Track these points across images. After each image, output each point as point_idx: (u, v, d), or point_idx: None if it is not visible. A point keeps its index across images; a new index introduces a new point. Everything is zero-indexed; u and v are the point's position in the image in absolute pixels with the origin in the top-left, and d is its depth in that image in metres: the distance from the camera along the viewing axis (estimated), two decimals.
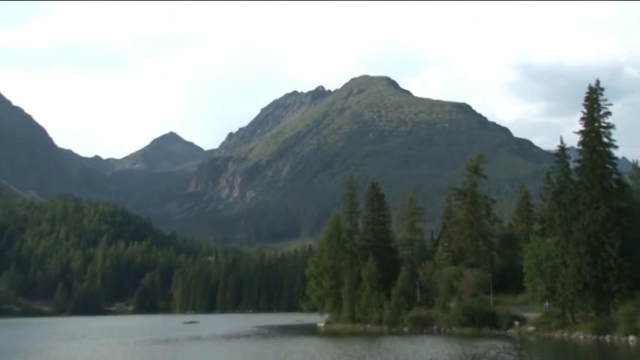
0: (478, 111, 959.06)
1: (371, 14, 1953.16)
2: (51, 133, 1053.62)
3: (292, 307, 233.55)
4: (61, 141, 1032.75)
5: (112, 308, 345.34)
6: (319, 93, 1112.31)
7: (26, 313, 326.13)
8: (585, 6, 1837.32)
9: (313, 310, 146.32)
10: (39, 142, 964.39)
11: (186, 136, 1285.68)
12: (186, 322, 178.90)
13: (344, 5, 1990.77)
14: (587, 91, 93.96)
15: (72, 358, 66.18)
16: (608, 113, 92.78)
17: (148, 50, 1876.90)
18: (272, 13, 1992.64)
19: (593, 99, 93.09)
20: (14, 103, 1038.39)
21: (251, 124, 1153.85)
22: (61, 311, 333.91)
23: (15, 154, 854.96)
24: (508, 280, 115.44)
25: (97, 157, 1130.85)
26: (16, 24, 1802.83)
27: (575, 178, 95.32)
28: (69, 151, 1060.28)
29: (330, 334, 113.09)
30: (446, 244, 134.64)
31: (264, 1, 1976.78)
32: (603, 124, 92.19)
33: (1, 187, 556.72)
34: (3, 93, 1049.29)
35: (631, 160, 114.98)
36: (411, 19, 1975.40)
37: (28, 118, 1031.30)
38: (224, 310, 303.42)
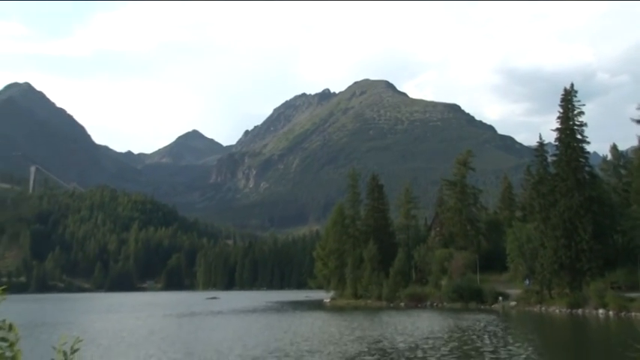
0: (467, 111, 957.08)
1: (372, 24, 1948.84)
2: (89, 131, 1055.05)
3: (301, 285, 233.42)
4: (98, 138, 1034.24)
5: (143, 285, 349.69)
6: (325, 95, 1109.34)
7: (69, 289, 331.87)
8: (562, 18, 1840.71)
9: (320, 287, 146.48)
10: (79, 139, 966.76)
11: (208, 134, 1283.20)
12: (208, 298, 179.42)
13: (348, 16, 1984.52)
14: (563, 93, 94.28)
15: (111, 329, 67.03)
16: (582, 113, 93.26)
17: (173, 57, 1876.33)
18: (283, 23, 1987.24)
19: (568, 100, 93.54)
20: (58, 105, 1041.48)
21: (265, 122, 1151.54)
22: (99, 287, 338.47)
23: (58, 149, 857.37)
24: (493, 261, 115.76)
25: (129, 152, 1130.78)
26: (60, 36, 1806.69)
27: (552, 170, 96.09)
28: (105, 147, 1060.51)
29: (335, 308, 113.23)
30: (438, 228, 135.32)
31: (276, 13, 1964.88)
32: (577, 123, 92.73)
33: (46, 178, 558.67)
34: (48, 96, 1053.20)
35: (601, 155, 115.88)
36: (408, 29, 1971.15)
37: (70, 117, 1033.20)
38: (241, 287, 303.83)
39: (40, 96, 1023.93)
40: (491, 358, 39.29)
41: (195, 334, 61.74)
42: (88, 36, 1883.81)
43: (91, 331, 60.89)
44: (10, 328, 3.84)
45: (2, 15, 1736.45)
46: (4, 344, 3.78)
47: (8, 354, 3.76)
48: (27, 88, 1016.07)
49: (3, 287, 4.19)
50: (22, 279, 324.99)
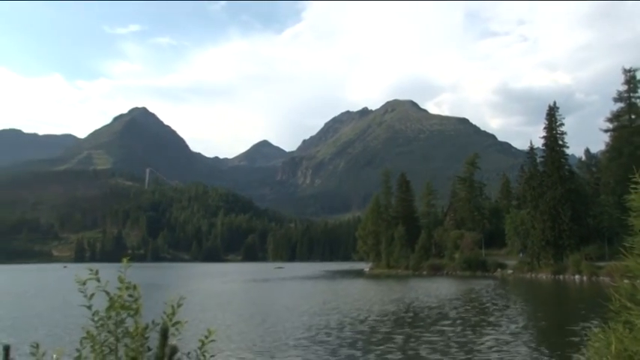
0: (473, 123, 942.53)
1: (400, 57, 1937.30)
2: (188, 142, 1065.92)
3: (347, 258, 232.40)
4: (193, 147, 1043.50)
5: (227, 257, 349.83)
6: (364, 112, 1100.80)
7: (174, 259, 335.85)
8: (547, 52, 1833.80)
9: (361, 259, 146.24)
10: (180, 148, 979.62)
11: (275, 142, 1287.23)
12: (276, 267, 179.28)
13: (381, 50, 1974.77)
14: (548, 109, 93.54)
15: (204, 291, 68.10)
16: (562, 124, 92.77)
17: (250, 85, 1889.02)
18: (332, 57, 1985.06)
19: (552, 114, 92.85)
20: (165, 123, 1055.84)
21: (318, 133, 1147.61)
22: (195, 259, 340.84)
23: (166, 155, 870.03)
24: (495, 239, 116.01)
25: (216, 157, 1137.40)
26: (167, 72, 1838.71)
27: (540, 168, 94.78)
28: (199, 154, 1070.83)
29: (372, 276, 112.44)
30: (452, 214, 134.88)
31: (326, 50, 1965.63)
32: (559, 132, 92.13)
33: (157, 178, 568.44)
34: (159, 116, 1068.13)
35: (577, 156, 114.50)
36: (428, 60, 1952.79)
37: (174, 132, 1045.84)
38: (300, 259, 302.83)
39: (153, 116, 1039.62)
40: (496, 310, 39.95)
41: (268, 296, 61.76)
42: (187, 71, 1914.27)
43: (189, 291, 61.63)
44: (134, 287, 4.17)
45: (127, 58, 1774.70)
46: (131, 299, 4.12)
47: (134, 306, 4.10)
48: (144, 111, 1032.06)
49: (128, 257, 4.51)
50: (141, 251, 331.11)
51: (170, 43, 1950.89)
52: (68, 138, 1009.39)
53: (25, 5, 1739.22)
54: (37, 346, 3.90)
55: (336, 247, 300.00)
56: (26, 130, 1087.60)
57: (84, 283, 4.25)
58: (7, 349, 3.48)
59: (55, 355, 4.06)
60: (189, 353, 3.90)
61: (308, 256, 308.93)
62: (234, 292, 66.53)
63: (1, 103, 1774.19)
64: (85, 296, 4.21)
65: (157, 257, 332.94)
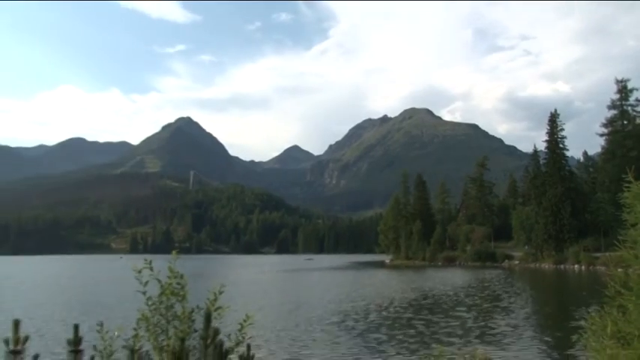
0: (483, 128, 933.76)
1: (416, 69, 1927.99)
2: (227, 147, 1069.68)
3: (369, 251, 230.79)
4: (232, 151, 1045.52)
5: (262, 250, 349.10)
6: (384, 119, 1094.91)
7: (215, 252, 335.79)
8: (548, 64, 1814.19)
9: (382, 252, 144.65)
10: (220, 153, 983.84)
11: (304, 147, 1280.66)
12: (306, 259, 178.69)
13: (400, 63, 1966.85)
14: (550, 115, 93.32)
15: (243, 279, 68.75)
16: (562, 129, 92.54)
17: (282, 96, 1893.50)
18: (355, 71, 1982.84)
19: (554, 120, 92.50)
20: (207, 130, 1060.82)
21: (343, 138, 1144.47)
22: (233, 251, 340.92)
23: (207, 159, 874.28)
24: (502, 233, 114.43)
25: (252, 161, 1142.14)
26: (208, 85, 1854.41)
27: (543, 169, 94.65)
28: (236, 157, 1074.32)
29: (393, 266, 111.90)
30: (464, 211, 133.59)
31: (350, 64, 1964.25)
32: (560, 136, 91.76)
33: (199, 179, 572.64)
34: (202, 125, 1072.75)
35: (576, 158, 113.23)
36: (442, 72, 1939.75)
37: (215, 138, 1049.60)
38: (328, 252, 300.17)
39: (196, 125, 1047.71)
40: (507, 297, 39.78)
41: (299, 284, 62.29)
42: (226, 84, 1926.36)
43: (229, 280, 61.83)
44: (182, 276, 4.29)
45: (174, 74, 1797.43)
46: (179, 287, 4.25)
47: (181, 293, 4.21)
48: (188, 120, 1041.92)
49: (177, 250, 4.72)
50: (187, 245, 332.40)
51: (211, 60, 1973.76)
52: (124, 145, 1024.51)
53: (87, 31, 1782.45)
54: (101, 325, 4.07)
55: (360, 240, 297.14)
56: (89, 138, 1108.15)
57: (139, 272, 4.43)
58: (76, 327, 3.58)
59: (116, 333, 4.22)
60: (229, 335, 3.98)
61: (334, 249, 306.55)
62: (269, 281, 66.74)
63: (68, 115, 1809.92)
64: (141, 283, 4.39)
65: (201, 250, 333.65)
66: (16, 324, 3.44)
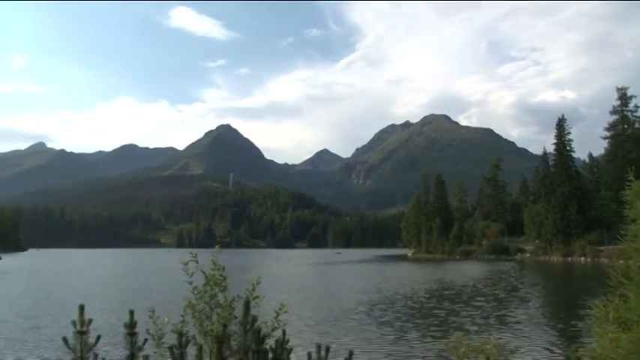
0: (497, 132, 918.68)
1: (436, 78, 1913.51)
2: (262, 151, 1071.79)
3: (393, 245, 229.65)
4: (267, 155, 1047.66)
5: (295, 245, 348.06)
6: (406, 124, 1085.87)
7: (252, 246, 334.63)
8: (556, 73, 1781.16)
9: (405, 246, 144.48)
10: (256, 156, 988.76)
11: (333, 150, 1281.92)
12: (335, 253, 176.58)
13: (421, 73, 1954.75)
14: (557, 120, 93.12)
15: (277, 271, 68.90)
16: (569, 133, 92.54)
17: (313, 104, 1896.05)
18: (380, 81, 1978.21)
19: (561, 125, 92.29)
20: (245, 136, 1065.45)
21: (369, 142, 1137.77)
22: (269, 246, 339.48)
23: (245, 162, 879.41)
24: (515, 229, 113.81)
25: (285, 163, 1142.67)
26: (245, 96, 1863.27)
27: (552, 170, 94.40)
28: (271, 161, 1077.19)
29: (415, 260, 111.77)
30: (480, 208, 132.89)
31: (375, 74, 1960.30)
32: (567, 140, 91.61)
33: (239, 181, 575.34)
34: (240, 131, 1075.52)
35: (582, 159, 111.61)
36: (460, 82, 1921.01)
37: (252, 143, 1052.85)
38: (355, 246, 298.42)
39: (235, 131, 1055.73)
40: (522, 287, 39.54)
41: (329, 276, 62.22)
42: (262, 95, 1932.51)
43: (266, 272, 61.50)
44: (223, 268, 4.38)
45: (216, 85, 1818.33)
46: (221, 278, 4.32)
47: (223, 283, 4.29)
48: (228, 127, 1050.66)
49: (220, 245, 4.89)
50: (227, 240, 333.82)
51: (249, 72, 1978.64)
52: (171, 150, 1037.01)
53: (141, 49, 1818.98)
54: (153, 311, 4.16)
55: (385, 236, 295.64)
56: (140, 144, 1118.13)
57: (186, 264, 4.54)
58: (131, 312, 3.62)
59: (166, 319, 4.31)
60: (266, 322, 4.05)
61: (361, 244, 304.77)
62: (302, 273, 66.86)
63: (123, 124, 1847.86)
64: (187, 274, 4.50)
65: (240, 245, 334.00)
66: (82, 308, 3.57)
